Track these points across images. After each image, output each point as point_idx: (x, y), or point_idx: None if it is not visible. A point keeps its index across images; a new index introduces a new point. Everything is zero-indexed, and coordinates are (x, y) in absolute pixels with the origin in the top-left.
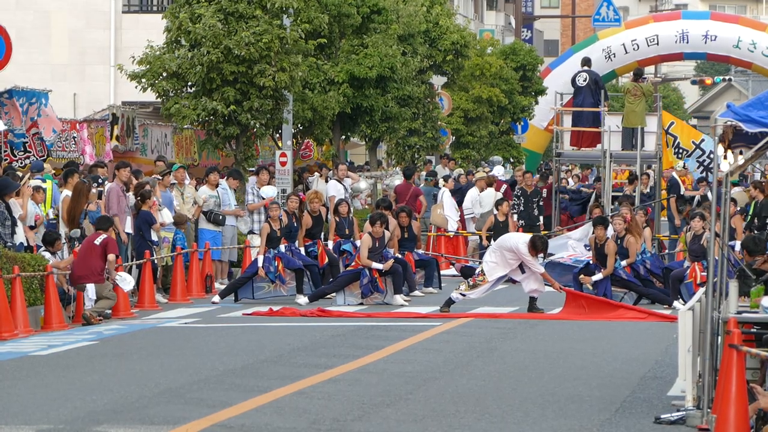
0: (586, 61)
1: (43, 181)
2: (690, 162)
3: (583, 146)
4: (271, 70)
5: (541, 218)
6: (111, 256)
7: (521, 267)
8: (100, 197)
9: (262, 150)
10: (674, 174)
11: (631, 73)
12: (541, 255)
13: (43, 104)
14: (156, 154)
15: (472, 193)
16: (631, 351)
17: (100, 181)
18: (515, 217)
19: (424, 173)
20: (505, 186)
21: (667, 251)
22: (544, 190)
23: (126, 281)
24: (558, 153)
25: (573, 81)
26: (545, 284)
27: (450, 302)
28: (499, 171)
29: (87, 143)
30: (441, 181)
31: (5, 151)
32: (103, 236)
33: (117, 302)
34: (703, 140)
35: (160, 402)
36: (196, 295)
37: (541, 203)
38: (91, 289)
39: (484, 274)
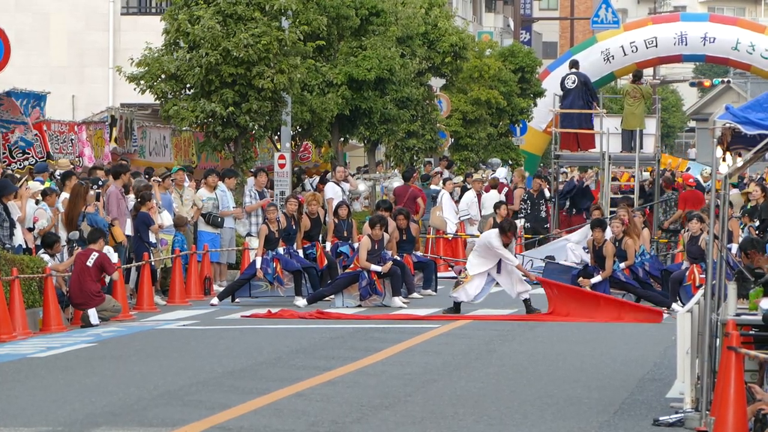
0: (574, 63)
1: (42, 183)
2: None
3: (575, 149)
4: (269, 72)
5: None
6: (114, 277)
7: (500, 266)
8: (98, 199)
9: (261, 152)
10: (699, 178)
11: (630, 74)
12: (514, 241)
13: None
14: (155, 156)
15: (468, 195)
16: (630, 353)
17: (99, 183)
18: (522, 220)
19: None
20: (506, 189)
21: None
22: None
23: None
24: (557, 155)
25: (562, 83)
26: (523, 279)
27: (457, 306)
28: (501, 173)
29: (86, 145)
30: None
31: (4, 153)
32: (95, 254)
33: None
34: (689, 168)
35: (158, 404)
36: (194, 297)
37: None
38: (93, 313)
39: (467, 272)
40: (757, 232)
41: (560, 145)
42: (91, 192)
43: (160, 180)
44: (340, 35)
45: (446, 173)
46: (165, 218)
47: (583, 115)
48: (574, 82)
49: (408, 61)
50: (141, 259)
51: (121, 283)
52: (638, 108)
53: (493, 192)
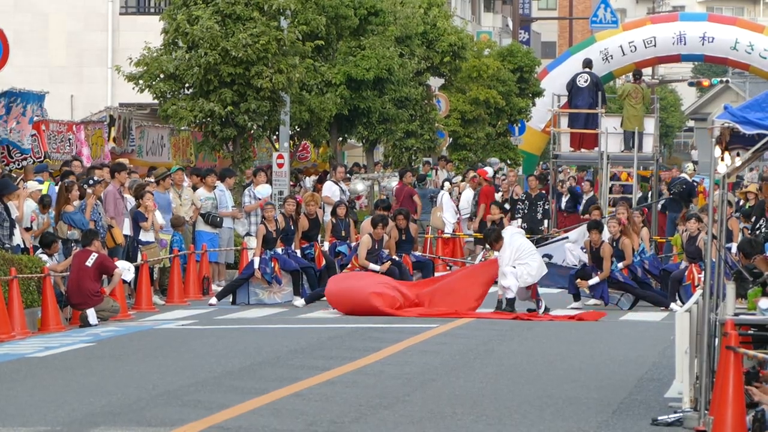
0: (588, 63)
1: (41, 183)
2: None
3: (583, 148)
4: (268, 71)
5: (546, 222)
6: (115, 276)
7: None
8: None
9: (259, 152)
10: (685, 176)
11: (630, 74)
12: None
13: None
14: (152, 156)
15: (468, 194)
16: (629, 353)
17: (90, 182)
18: (519, 220)
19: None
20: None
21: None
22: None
23: (125, 270)
24: (555, 155)
25: (573, 81)
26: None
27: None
28: (488, 172)
29: (84, 145)
30: (447, 184)
31: (2, 153)
32: (94, 255)
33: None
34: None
35: (157, 404)
36: (193, 296)
37: (546, 207)
38: (92, 313)
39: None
40: (749, 232)
41: (570, 144)
42: (75, 191)
43: (155, 181)
44: (339, 35)
45: (445, 173)
46: (159, 218)
47: (591, 114)
48: (586, 81)
49: (407, 61)
50: (134, 259)
51: (120, 283)
52: (639, 109)
53: None
